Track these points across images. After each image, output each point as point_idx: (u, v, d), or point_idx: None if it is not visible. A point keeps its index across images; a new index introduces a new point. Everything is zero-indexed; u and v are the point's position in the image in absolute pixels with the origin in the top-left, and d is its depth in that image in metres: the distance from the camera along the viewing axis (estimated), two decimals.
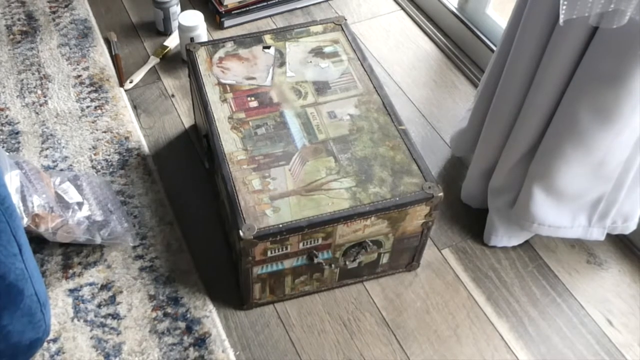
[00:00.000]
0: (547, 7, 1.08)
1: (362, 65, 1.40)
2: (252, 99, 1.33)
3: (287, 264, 1.19)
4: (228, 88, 1.35)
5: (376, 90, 1.35)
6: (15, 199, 1.24)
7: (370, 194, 1.16)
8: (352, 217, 1.14)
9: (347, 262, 1.24)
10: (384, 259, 1.28)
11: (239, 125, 1.28)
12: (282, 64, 1.40)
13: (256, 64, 1.40)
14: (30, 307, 0.89)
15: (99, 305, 1.27)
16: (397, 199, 1.16)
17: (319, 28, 1.48)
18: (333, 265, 1.23)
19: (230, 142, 1.25)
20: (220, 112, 1.30)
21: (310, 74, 1.38)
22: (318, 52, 1.42)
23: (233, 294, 1.29)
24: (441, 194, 1.17)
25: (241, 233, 1.10)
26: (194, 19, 1.67)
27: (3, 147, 1.52)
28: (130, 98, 1.67)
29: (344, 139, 1.26)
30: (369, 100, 1.33)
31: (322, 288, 1.30)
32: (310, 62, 1.40)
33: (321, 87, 1.35)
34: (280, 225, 1.11)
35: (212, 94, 1.33)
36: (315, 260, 1.19)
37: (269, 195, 1.16)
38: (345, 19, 1.50)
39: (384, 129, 1.27)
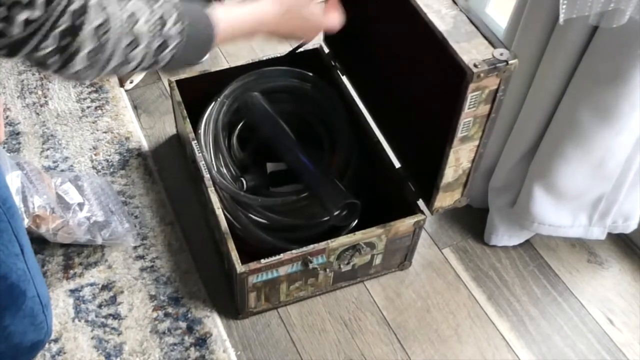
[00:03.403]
0: (547, 6, 1.07)
1: None
2: None
3: (282, 271, 1.18)
4: None
5: None
6: (16, 199, 1.24)
7: None
8: None
9: (342, 266, 1.23)
10: (377, 260, 1.28)
11: None
12: None
13: None
14: (33, 308, 0.89)
15: (99, 306, 1.27)
16: None
17: None
18: (328, 270, 1.22)
19: None
20: None
21: None
22: None
23: (232, 294, 1.29)
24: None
25: None
26: None
27: (4, 147, 1.52)
28: (131, 98, 1.67)
29: None
30: None
31: (317, 292, 1.29)
32: None
33: None
34: None
35: None
36: (310, 266, 1.18)
37: None
38: None
39: None
